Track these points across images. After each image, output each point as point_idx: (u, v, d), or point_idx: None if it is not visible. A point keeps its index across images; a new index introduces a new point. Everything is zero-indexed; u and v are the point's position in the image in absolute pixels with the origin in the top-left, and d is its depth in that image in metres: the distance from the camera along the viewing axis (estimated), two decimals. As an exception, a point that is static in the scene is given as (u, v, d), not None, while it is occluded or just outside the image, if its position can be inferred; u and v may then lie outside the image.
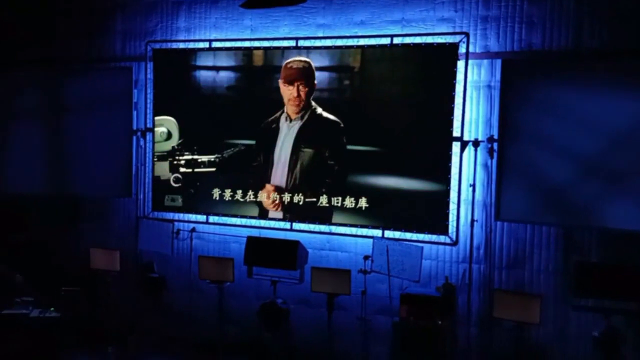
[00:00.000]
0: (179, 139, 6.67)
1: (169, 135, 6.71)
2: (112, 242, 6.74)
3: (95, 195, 7.02)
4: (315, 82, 6.09)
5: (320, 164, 6.11)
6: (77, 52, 7.09)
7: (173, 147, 6.70)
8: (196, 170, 6.61)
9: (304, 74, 6.12)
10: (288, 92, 6.19)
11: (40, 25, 7.19)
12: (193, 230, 6.47)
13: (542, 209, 5.40)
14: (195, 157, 6.60)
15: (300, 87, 6.14)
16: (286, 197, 6.20)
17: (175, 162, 6.71)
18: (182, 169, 6.68)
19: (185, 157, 6.64)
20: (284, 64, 6.19)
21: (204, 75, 6.54)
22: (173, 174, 6.69)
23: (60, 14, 7.14)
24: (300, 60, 6.16)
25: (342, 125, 6.02)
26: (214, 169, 6.55)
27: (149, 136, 6.77)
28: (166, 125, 6.73)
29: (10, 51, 7.26)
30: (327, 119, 6.08)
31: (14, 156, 7.16)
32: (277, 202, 6.24)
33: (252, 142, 6.38)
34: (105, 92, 6.86)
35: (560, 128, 5.30)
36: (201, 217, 6.60)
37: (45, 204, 7.18)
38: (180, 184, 6.68)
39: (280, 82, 6.22)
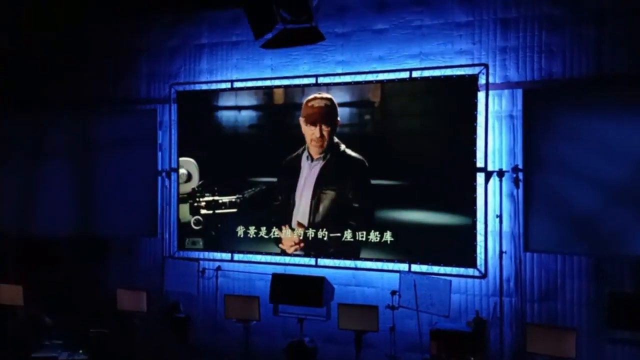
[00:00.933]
0: (199, 180, 6.68)
1: (189, 177, 6.72)
2: (138, 281, 6.77)
3: (121, 235, 7.09)
4: (339, 119, 6.08)
5: (343, 207, 6.01)
6: (104, 95, 7.29)
7: (193, 189, 6.70)
8: (217, 211, 6.55)
9: (326, 114, 6.09)
10: (310, 132, 6.18)
11: (68, 67, 7.42)
12: (218, 268, 6.47)
13: (572, 238, 5.29)
14: (216, 198, 6.56)
15: (323, 127, 6.11)
16: (310, 233, 6.16)
17: (195, 204, 6.66)
18: (202, 211, 6.63)
19: (206, 199, 6.60)
20: (304, 101, 6.22)
21: (226, 115, 6.63)
22: (193, 216, 6.65)
23: (87, 57, 7.37)
24: (322, 98, 6.13)
25: (367, 164, 5.94)
26: (235, 210, 6.51)
27: (173, 176, 6.86)
28: (186, 166, 6.75)
29: (39, 93, 7.49)
30: (350, 156, 6.02)
31: (42, 197, 7.30)
32: (299, 241, 6.18)
33: (274, 179, 6.37)
34: (131, 133, 7.00)
35: (587, 155, 5.23)
36: (226, 255, 6.60)
37: (73, 244, 7.27)
38: (201, 227, 6.64)
39: (302, 120, 6.22)
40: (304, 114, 6.21)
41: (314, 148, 6.18)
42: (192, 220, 6.67)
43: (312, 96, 6.20)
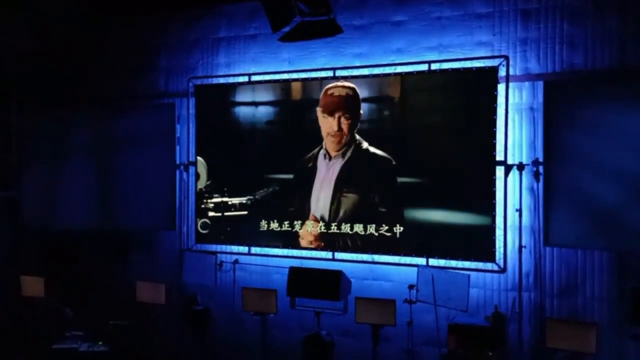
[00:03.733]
0: (207, 180, 6.50)
1: (197, 176, 6.59)
2: (157, 274, 6.83)
3: (141, 228, 7.15)
4: (361, 112, 5.83)
5: (368, 211, 5.74)
6: (123, 90, 7.35)
7: (201, 189, 6.51)
8: (226, 214, 6.20)
9: (347, 103, 5.81)
10: (327, 124, 5.92)
11: (88, 64, 7.51)
12: (236, 262, 6.50)
13: (593, 233, 5.20)
14: (225, 199, 6.20)
15: (342, 119, 5.79)
16: (334, 228, 6.07)
17: (203, 206, 6.37)
18: (210, 213, 6.40)
19: (215, 200, 6.25)
20: (324, 89, 6.03)
21: (243, 110, 6.63)
22: (200, 219, 6.31)
23: (106, 53, 7.44)
24: (344, 86, 5.85)
25: (393, 162, 5.64)
26: (245, 212, 6.21)
27: (191, 170, 6.89)
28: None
29: (61, 91, 7.59)
30: (374, 155, 5.74)
31: (64, 192, 7.40)
32: (317, 239, 6.04)
33: (289, 176, 6.22)
34: (150, 128, 7.04)
35: (609, 148, 5.14)
36: (243, 249, 6.63)
37: (94, 237, 7.37)
38: (208, 230, 6.38)
39: (319, 111, 6.07)
40: (322, 103, 5.97)
41: (330, 144, 5.95)
42: (199, 223, 6.40)
43: (332, 84, 6.00)
